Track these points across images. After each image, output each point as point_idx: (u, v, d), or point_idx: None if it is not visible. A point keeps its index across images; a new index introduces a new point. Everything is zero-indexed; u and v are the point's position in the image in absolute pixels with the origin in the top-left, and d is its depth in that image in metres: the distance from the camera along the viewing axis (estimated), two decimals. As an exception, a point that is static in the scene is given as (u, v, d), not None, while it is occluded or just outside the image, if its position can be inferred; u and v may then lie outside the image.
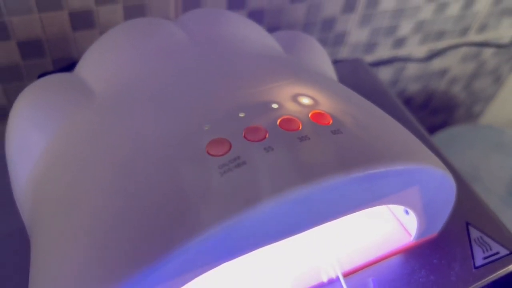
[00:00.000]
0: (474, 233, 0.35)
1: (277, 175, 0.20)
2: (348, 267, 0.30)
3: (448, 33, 0.72)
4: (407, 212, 0.32)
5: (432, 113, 0.90)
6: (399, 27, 0.67)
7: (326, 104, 0.24)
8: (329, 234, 0.31)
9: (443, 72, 0.80)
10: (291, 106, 0.23)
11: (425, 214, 0.29)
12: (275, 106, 0.23)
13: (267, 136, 0.22)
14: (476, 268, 0.33)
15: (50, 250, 0.22)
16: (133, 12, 0.49)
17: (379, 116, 0.26)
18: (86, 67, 0.29)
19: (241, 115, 0.22)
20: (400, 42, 0.69)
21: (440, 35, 0.72)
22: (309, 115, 0.23)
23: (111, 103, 0.26)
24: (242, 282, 0.28)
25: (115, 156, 0.23)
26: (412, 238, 0.32)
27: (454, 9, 0.68)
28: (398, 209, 0.33)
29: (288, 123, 0.22)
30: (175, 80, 0.25)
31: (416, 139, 0.26)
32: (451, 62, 0.79)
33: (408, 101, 0.83)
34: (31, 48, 0.49)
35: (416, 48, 0.72)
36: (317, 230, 0.29)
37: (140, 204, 0.20)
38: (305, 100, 0.24)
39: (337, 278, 0.30)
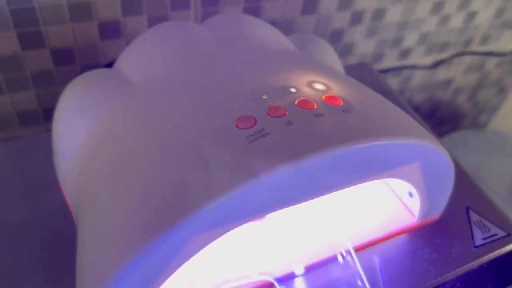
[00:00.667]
0: (474, 217, 0.39)
1: (297, 143, 0.24)
2: (356, 244, 0.34)
3: (452, 44, 0.76)
4: (411, 195, 0.36)
5: (439, 122, 0.94)
6: (404, 38, 0.71)
7: (337, 89, 0.28)
8: (337, 212, 0.35)
9: (448, 82, 0.84)
10: (307, 90, 0.27)
11: (427, 193, 0.33)
12: (293, 90, 0.27)
13: (286, 113, 0.25)
14: (475, 247, 0.36)
15: (98, 212, 0.26)
16: (157, 22, 0.53)
17: (383, 101, 0.30)
18: (125, 62, 0.33)
19: (264, 97, 0.26)
20: (405, 53, 0.74)
21: (444, 46, 0.76)
22: (323, 97, 0.27)
23: (149, 90, 0.30)
24: (253, 257, 0.32)
25: (155, 131, 0.27)
26: (415, 219, 0.36)
27: (457, 21, 0.73)
28: (403, 191, 0.36)
29: (304, 103, 0.26)
30: (204, 70, 0.30)
31: (416, 122, 0.30)
32: (456, 72, 0.83)
33: (414, 110, 0.86)
34: (63, 56, 0.53)
35: (421, 59, 0.76)
36: (326, 208, 0.33)
37: (179, 167, 0.24)
38: (319, 86, 0.28)
39: (347, 253, 0.33)
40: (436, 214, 0.36)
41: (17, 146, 0.41)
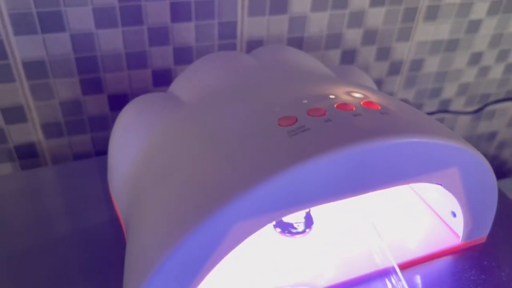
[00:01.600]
0: None
1: (335, 136, 0.26)
2: (399, 261, 0.34)
3: (493, 95, 0.77)
4: (454, 215, 0.36)
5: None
6: (444, 89, 0.73)
7: (374, 97, 0.30)
8: (381, 231, 0.35)
9: (491, 135, 0.84)
10: (346, 97, 0.29)
11: (469, 207, 0.33)
12: (332, 96, 0.29)
13: (326, 113, 0.27)
14: None
15: (148, 211, 0.28)
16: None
17: (420, 112, 0.32)
18: (177, 86, 0.36)
19: (305, 101, 0.29)
20: (445, 103, 0.75)
21: (485, 97, 0.77)
22: (361, 102, 0.29)
23: (199, 105, 0.33)
24: (294, 268, 0.32)
25: (204, 135, 0.29)
26: (460, 239, 0.36)
27: (496, 72, 0.74)
28: (446, 212, 0.36)
29: (344, 106, 0.28)
30: (248, 87, 0.32)
31: (453, 132, 0.31)
32: (499, 124, 0.83)
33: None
34: (118, 101, 0.58)
35: (461, 109, 0.77)
36: (370, 226, 0.33)
37: (223, 161, 0.26)
38: (357, 94, 0.30)
39: (392, 270, 0.33)
40: (482, 235, 0.36)
41: (67, 168, 0.45)
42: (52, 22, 0.49)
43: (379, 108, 0.28)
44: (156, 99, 0.35)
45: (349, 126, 0.26)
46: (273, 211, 0.25)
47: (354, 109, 0.28)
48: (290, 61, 0.37)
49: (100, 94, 0.57)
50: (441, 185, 0.30)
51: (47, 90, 0.54)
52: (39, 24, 0.49)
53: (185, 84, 0.36)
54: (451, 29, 0.66)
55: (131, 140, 0.33)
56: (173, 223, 0.25)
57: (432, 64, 0.68)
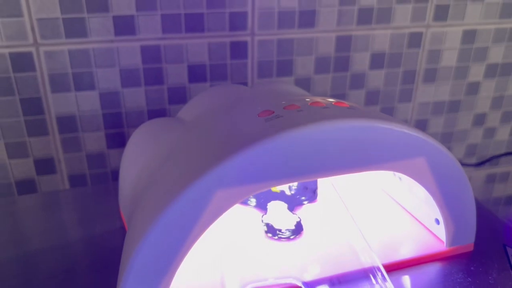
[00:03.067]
0: (511, 251, 0.39)
1: (303, 119, 0.30)
2: (384, 262, 0.36)
3: (503, 158, 0.80)
4: (437, 222, 0.38)
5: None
6: (452, 149, 0.76)
7: (346, 102, 0.35)
8: (368, 235, 0.38)
9: (508, 199, 0.85)
10: (320, 99, 0.34)
11: (447, 206, 0.36)
12: (308, 99, 0.35)
13: (299, 108, 0.32)
14: None
15: (147, 193, 0.33)
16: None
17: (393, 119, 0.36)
18: (183, 112, 0.43)
19: (283, 102, 0.34)
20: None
21: (496, 159, 0.80)
22: (333, 102, 0.34)
23: (195, 120, 0.38)
24: (285, 263, 0.35)
25: (198, 134, 0.34)
26: (445, 245, 0.38)
27: (503, 133, 0.77)
28: (430, 220, 0.39)
29: (316, 103, 0.33)
30: (239, 101, 0.38)
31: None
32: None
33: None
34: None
35: (473, 172, 0.80)
36: (356, 229, 0.36)
37: (213, 143, 0.31)
38: (330, 99, 0.35)
39: (377, 269, 0.35)
40: (467, 242, 0.38)
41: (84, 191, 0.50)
42: (84, 82, 0.58)
43: (348, 106, 0.33)
44: (163, 121, 0.41)
45: (318, 114, 0.31)
46: (246, 184, 0.29)
47: (325, 105, 0.33)
48: (279, 87, 0.43)
49: (122, 148, 0.63)
50: (412, 177, 0.33)
51: (76, 143, 0.61)
52: (73, 83, 0.58)
53: (188, 109, 0.42)
54: (451, 90, 0.71)
55: (137, 154, 0.39)
56: (161, 197, 0.29)
57: (437, 124, 0.73)
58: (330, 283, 0.34)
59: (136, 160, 0.38)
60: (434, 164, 0.33)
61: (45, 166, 0.61)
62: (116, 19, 0.56)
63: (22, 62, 0.55)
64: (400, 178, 0.41)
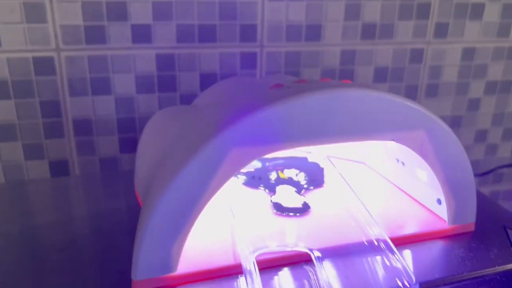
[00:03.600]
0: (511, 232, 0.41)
1: (311, 89, 0.33)
2: (391, 235, 0.38)
3: (506, 175, 0.82)
4: (439, 202, 0.40)
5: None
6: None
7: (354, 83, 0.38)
8: (374, 212, 0.40)
9: None
10: (328, 79, 0.37)
11: (448, 182, 0.38)
12: (317, 79, 0.38)
13: (307, 82, 0.35)
14: None
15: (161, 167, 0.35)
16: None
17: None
18: (198, 100, 0.46)
19: (293, 79, 0.37)
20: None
21: (499, 175, 0.81)
22: (340, 80, 0.37)
23: (210, 103, 0.41)
24: (295, 233, 0.37)
25: (215, 106, 0.37)
26: (447, 224, 0.40)
27: (506, 151, 0.80)
28: (432, 200, 0.41)
29: (324, 79, 0.36)
30: (250, 83, 0.41)
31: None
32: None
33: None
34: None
35: (477, 187, 0.81)
36: (363, 210, 0.38)
37: (229, 109, 0.34)
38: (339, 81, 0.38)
39: (383, 241, 0.37)
40: (468, 221, 0.40)
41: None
42: (101, 86, 0.61)
43: (351, 82, 0.36)
44: (178, 107, 0.44)
45: (325, 85, 0.33)
46: (258, 144, 0.31)
47: (331, 81, 0.35)
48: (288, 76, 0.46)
49: (135, 153, 0.66)
50: (412, 149, 0.36)
51: (90, 147, 0.64)
52: (90, 88, 0.61)
53: (201, 97, 0.45)
54: (453, 106, 0.74)
55: (153, 135, 0.41)
56: (180, 156, 0.32)
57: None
58: (337, 252, 0.35)
59: (152, 140, 0.41)
60: (434, 138, 0.36)
61: (59, 168, 0.64)
62: (134, 28, 0.60)
63: (44, 66, 0.59)
64: (403, 163, 0.43)
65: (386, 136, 0.34)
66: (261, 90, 0.35)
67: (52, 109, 0.61)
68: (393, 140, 0.35)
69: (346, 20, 0.66)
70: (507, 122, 0.78)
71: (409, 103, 0.34)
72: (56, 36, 0.58)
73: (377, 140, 0.34)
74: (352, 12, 0.65)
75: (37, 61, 0.59)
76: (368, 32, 0.67)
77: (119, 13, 0.58)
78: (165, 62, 0.62)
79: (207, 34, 0.62)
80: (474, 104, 0.75)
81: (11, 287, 0.32)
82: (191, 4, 0.60)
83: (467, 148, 0.76)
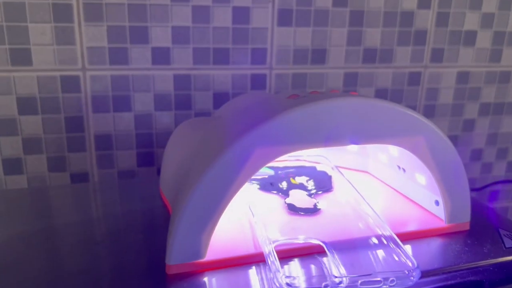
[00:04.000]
0: (504, 232, 0.46)
1: (324, 98, 0.38)
2: (395, 231, 0.42)
3: (505, 191, 0.86)
4: (437, 203, 0.45)
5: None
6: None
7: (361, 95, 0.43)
8: (379, 210, 0.45)
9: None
10: (338, 92, 0.43)
11: (445, 185, 0.42)
12: (324, 91, 0.43)
13: (319, 93, 0.41)
14: (506, 248, 0.43)
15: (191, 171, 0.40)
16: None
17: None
18: (219, 111, 0.51)
19: (308, 90, 0.42)
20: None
21: (495, 193, 0.86)
22: (349, 93, 0.42)
23: (229, 114, 0.46)
24: (309, 228, 0.41)
25: (238, 114, 0.42)
26: (444, 222, 0.44)
27: (500, 169, 0.85)
28: (430, 202, 0.46)
29: (335, 91, 0.41)
30: (268, 95, 0.46)
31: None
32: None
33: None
34: (166, 172, 0.71)
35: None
36: (368, 209, 0.43)
37: (253, 115, 0.39)
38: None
39: (388, 237, 0.41)
40: (464, 220, 0.44)
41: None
42: (123, 104, 0.66)
43: (358, 94, 0.41)
44: (201, 118, 0.49)
45: (336, 95, 0.39)
46: (279, 145, 0.36)
47: (339, 92, 0.41)
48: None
49: (152, 167, 0.71)
50: (412, 152, 0.40)
51: (110, 160, 0.69)
52: (112, 105, 0.66)
53: (222, 109, 0.50)
54: (449, 126, 0.80)
55: (179, 141, 0.46)
56: (210, 154, 0.37)
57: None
58: (346, 244, 0.40)
59: (178, 146, 0.46)
60: (432, 144, 0.41)
61: (80, 180, 0.68)
62: (154, 50, 0.65)
63: (70, 84, 0.64)
64: (404, 170, 0.48)
65: (389, 140, 0.39)
66: (280, 100, 0.40)
67: (75, 124, 0.66)
68: (396, 145, 0.40)
69: (349, 45, 0.72)
70: (501, 142, 0.83)
71: (409, 112, 0.39)
72: (82, 56, 0.64)
73: (381, 143, 0.39)
74: (355, 38, 0.71)
75: (64, 80, 0.64)
76: (369, 56, 0.73)
77: (141, 37, 0.64)
78: (182, 82, 0.68)
79: (221, 57, 0.68)
80: (469, 125, 0.80)
81: (73, 268, 0.37)
82: (207, 29, 0.66)
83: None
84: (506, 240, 0.43)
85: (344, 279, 0.33)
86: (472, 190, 0.83)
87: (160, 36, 0.65)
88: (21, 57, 0.61)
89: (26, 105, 0.63)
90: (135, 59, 0.65)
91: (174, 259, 0.36)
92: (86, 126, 0.66)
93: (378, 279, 0.34)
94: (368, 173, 0.55)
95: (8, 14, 0.59)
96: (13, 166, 0.65)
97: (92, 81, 0.65)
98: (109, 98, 0.66)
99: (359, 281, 0.34)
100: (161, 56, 0.66)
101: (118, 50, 0.64)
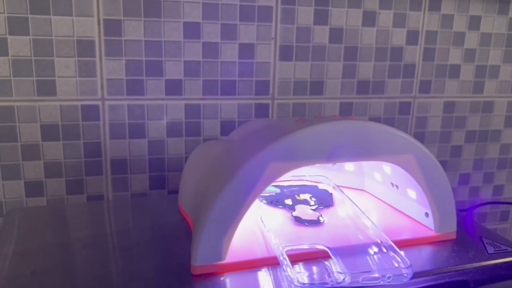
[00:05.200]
0: (487, 241, 0.52)
1: (328, 121, 0.45)
2: (391, 238, 0.48)
3: (489, 214, 0.93)
4: (426, 215, 0.51)
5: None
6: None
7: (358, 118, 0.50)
8: (375, 219, 0.51)
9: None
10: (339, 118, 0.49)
11: (433, 197, 0.49)
12: (328, 117, 0.49)
13: (322, 117, 0.47)
14: (488, 254, 0.49)
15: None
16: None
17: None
18: (233, 135, 0.57)
19: (313, 116, 0.49)
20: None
21: (483, 215, 0.92)
22: (348, 117, 0.49)
23: (244, 135, 0.53)
24: (315, 236, 0.47)
25: (251, 135, 0.49)
26: (434, 231, 0.50)
27: (487, 193, 0.91)
28: (420, 214, 0.52)
29: (336, 116, 0.48)
30: (276, 123, 0.53)
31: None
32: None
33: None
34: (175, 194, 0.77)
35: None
36: (366, 219, 0.49)
37: (266, 135, 0.45)
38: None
39: (384, 243, 0.47)
40: (451, 230, 0.51)
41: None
42: (138, 131, 0.73)
43: (354, 118, 0.48)
44: (216, 141, 0.55)
45: (337, 119, 0.45)
46: (291, 161, 0.43)
47: (340, 116, 0.48)
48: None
49: (163, 189, 0.77)
50: (403, 168, 0.47)
51: (124, 183, 0.75)
52: (128, 132, 0.73)
53: (234, 133, 0.56)
54: (438, 152, 0.87)
55: (196, 165, 0.53)
56: (228, 169, 0.43)
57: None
58: (348, 249, 0.46)
59: (196, 165, 0.52)
60: (421, 162, 0.47)
61: (95, 200, 0.73)
62: (168, 82, 0.72)
63: (90, 113, 0.71)
64: (397, 186, 0.55)
65: (383, 158, 0.46)
66: (289, 123, 0.47)
67: (93, 150, 0.72)
68: (389, 161, 0.46)
69: (344, 78, 0.79)
70: (487, 167, 0.90)
71: (400, 133, 0.46)
72: (102, 87, 0.70)
73: (376, 160, 0.46)
74: (349, 71, 0.79)
75: (85, 109, 0.70)
76: (363, 87, 0.80)
77: (156, 70, 0.71)
78: (192, 111, 0.74)
79: (228, 88, 0.75)
80: (456, 151, 0.87)
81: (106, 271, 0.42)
82: (215, 63, 0.73)
83: (452, 190, 0.88)
84: (488, 247, 0.49)
85: (346, 275, 0.39)
86: (462, 211, 0.89)
87: (173, 70, 0.72)
88: (47, 88, 0.68)
89: (49, 132, 0.69)
90: (150, 90, 0.72)
91: (199, 261, 0.41)
92: (103, 151, 0.72)
93: (377, 275, 0.40)
94: (365, 191, 0.62)
95: (37, 49, 0.66)
96: (34, 188, 0.70)
97: (110, 110, 0.71)
98: (125, 125, 0.72)
99: (360, 277, 0.39)
100: (173, 88, 0.72)
101: (135, 82, 0.71)
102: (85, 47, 0.68)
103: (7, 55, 0.66)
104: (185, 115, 0.74)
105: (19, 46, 0.65)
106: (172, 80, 0.72)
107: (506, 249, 0.49)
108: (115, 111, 0.71)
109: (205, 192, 0.44)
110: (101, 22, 0.68)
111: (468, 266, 0.46)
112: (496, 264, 0.47)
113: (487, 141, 0.89)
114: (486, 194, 0.90)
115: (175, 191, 0.76)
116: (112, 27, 0.68)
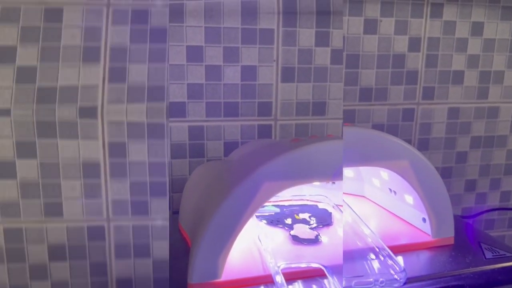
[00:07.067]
0: (485, 246, 0.52)
1: (323, 140, 0.46)
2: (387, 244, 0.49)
3: (497, 220, 0.93)
4: (424, 220, 0.52)
5: None
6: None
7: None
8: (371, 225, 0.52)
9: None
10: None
11: (429, 203, 0.50)
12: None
13: (318, 137, 0.49)
14: (486, 259, 0.50)
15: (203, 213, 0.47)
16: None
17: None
18: (231, 156, 0.59)
19: (307, 136, 0.50)
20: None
21: (490, 222, 0.92)
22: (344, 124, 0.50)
23: (242, 156, 0.54)
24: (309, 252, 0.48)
25: (247, 155, 0.50)
26: (431, 237, 0.51)
27: (494, 200, 0.91)
28: (417, 219, 0.53)
29: (331, 135, 0.49)
30: (271, 144, 0.55)
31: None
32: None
33: None
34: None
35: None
36: (364, 226, 0.50)
37: (261, 155, 0.47)
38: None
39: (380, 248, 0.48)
40: (448, 235, 0.51)
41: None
42: (142, 250, 0.72)
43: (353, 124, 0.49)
44: (215, 162, 0.57)
45: (331, 138, 0.46)
46: (284, 180, 0.44)
47: (332, 135, 0.49)
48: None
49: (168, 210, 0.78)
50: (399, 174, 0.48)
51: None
52: (133, 251, 0.72)
53: (233, 154, 0.58)
54: (443, 158, 0.87)
55: (195, 185, 0.54)
56: (224, 188, 0.44)
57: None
58: (347, 256, 0.47)
59: (196, 184, 0.54)
60: (416, 167, 0.48)
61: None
62: (172, 105, 0.74)
63: (96, 233, 0.71)
64: (395, 192, 0.56)
65: (378, 163, 0.47)
66: (284, 143, 0.48)
67: (99, 269, 0.72)
68: (384, 167, 0.47)
69: (346, 85, 0.80)
70: (493, 173, 0.90)
71: (395, 139, 0.47)
72: (107, 208, 0.71)
73: (372, 166, 0.47)
74: (352, 78, 0.80)
75: (90, 229, 0.70)
76: (366, 95, 0.81)
77: (160, 191, 0.71)
78: (196, 133, 0.76)
79: (231, 110, 0.76)
80: (462, 157, 0.88)
81: None
82: (218, 86, 0.75)
83: (459, 197, 0.88)
84: (486, 252, 0.50)
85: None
86: (466, 217, 0.89)
87: (177, 92, 0.73)
88: (53, 210, 0.68)
89: (56, 253, 0.70)
90: (154, 209, 0.72)
91: (195, 278, 0.43)
92: (109, 271, 0.73)
93: (370, 280, 0.41)
94: (364, 197, 0.63)
95: (44, 172, 0.67)
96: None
97: (115, 231, 0.71)
98: (130, 245, 0.72)
99: (353, 282, 0.40)
100: (177, 110, 0.74)
101: (139, 202, 0.70)
102: (90, 170, 0.66)
103: (15, 178, 0.67)
104: (188, 137, 0.75)
105: (27, 169, 0.66)
106: (176, 102, 0.74)
107: (505, 255, 0.50)
108: (120, 232, 0.66)
109: (202, 211, 0.46)
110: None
111: (465, 271, 0.47)
112: (493, 269, 0.47)
113: (493, 147, 0.89)
114: (494, 200, 0.91)
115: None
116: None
